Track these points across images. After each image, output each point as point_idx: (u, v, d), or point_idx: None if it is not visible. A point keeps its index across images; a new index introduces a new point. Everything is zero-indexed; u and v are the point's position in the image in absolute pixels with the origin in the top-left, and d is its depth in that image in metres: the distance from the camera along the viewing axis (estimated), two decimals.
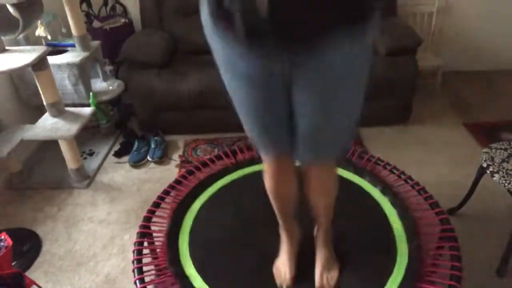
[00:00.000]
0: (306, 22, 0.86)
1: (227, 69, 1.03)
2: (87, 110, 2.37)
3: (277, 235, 1.46)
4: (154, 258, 1.61)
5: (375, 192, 1.79)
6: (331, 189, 1.29)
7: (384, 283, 1.40)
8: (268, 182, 1.28)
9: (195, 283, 1.44)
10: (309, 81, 0.97)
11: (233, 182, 1.87)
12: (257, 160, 1.84)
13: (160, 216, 1.72)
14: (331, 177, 1.27)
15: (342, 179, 1.83)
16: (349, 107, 1.06)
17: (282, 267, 1.38)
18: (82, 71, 2.49)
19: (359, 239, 1.61)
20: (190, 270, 1.48)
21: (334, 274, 1.37)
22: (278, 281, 1.38)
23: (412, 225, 1.60)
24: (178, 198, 1.78)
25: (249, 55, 0.94)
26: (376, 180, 1.83)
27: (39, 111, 2.43)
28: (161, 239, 1.68)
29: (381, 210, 1.71)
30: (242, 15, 0.86)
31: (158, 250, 1.65)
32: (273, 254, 1.49)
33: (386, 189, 1.77)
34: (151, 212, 1.70)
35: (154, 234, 1.66)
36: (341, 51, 0.91)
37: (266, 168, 1.26)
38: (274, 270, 1.41)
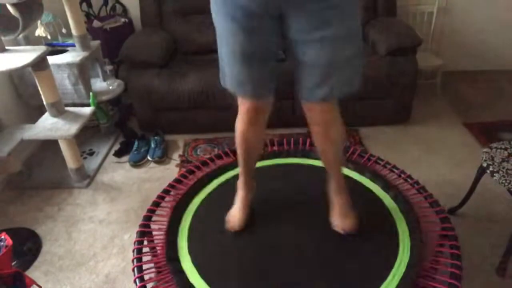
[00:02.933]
0: None
1: (223, 4, 1.06)
2: (87, 110, 2.37)
3: (277, 230, 1.53)
4: (154, 257, 1.61)
5: (376, 188, 1.79)
6: (338, 135, 1.27)
7: (385, 277, 1.40)
8: (240, 126, 1.31)
9: (192, 279, 1.44)
10: (306, 12, 0.99)
11: (232, 178, 1.85)
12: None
13: (160, 215, 1.72)
14: (336, 122, 1.24)
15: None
16: (350, 31, 1.06)
17: (236, 214, 1.48)
18: (82, 71, 2.49)
19: (360, 232, 1.60)
20: (188, 266, 1.49)
21: (351, 220, 1.39)
22: (229, 225, 1.48)
23: (415, 220, 1.60)
24: (177, 196, 1.79)
25: None
26: (376, 176, 1.83)
27: (39, 111, 2.43)
28: (161, 238, 1.68)
29: (383, 205, 1.69)
30: None
31: (158, 249, 1.65)
32: (272, 248, 1.52)
33: (387, 185, 1.76)
34: (151, 211, 1.70)
35: (154, 233, 1.66)
36: None
37: (241, 111, 1.29)
38: (228, 217, 1.50)
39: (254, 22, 1.06)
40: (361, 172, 1.86)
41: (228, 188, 1.79)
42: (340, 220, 1.40)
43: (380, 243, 1.53)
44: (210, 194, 1.80)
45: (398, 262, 1.46)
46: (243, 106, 1.28)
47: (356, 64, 1.13)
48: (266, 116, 1.31)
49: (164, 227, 1.68)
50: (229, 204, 1.70)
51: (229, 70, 1.21)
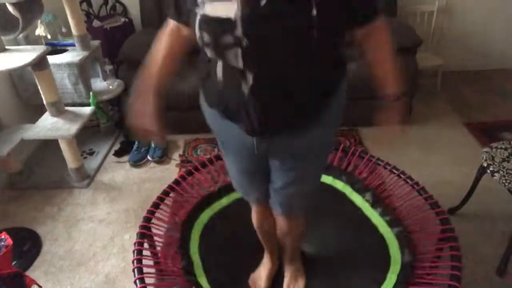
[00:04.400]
0: (283, 124, 1.08)
1: (221, 144, 1.29)
2: (87, 110, 2.37)
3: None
4: (154, 258, 1.61)
5: (364, 205, 1.86)
6: (296, 235, 1.49)
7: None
8: (254, 220, 1.50)
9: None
10: (282, 164, 1.20)
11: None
12: None
13: (159, 218, 1.72)
14: (295, 227, 1.44)
15: (330, 189, 1.94)
16: (309, 182, 1.28)
17: (258, 281, 1.61)
18: (82, 71, 2.48)
19: (351, 250, 1.70)
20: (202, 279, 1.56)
21: (300, 284, 1.58)
22: None
23: (404, 233, 1.64)
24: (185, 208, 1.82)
25: (237, 139, 1.15)
26: (365, 190, 1.89)
27: (39, 110, 2.42)
28: (161, 239, 1.68)
29: (369, 221, 1.79)
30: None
31: (158, 249, 1.66)
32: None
33: (376, 200, 1.84)
34: (151, 212, 1.70)
35: (154, 235, 1.66)
36: (308, 138, 1.12)
37: (252, 208, 1.48)
38: (250, 281, 1.62)
39: (246, 159, 1.25)
40: (351, 185, 1.93)
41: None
42: (290, 283, 1.59)
43: (371, 259, 1.63)
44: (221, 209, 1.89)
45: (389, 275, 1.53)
46: (252, 207, 1.48)
47: (312, 195, 1.34)
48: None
49: (164, 228, 1.69)
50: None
51: (235, 181, 1.38)
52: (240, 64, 0.95)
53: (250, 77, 0.97)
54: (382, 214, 1.77)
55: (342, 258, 1.68)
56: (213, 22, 0.93)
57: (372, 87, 1.14)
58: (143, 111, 1.20)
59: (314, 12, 0.88)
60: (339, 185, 1.94)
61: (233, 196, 1.92)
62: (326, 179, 1.97)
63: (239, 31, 0.90)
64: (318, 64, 1.01)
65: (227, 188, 1.92)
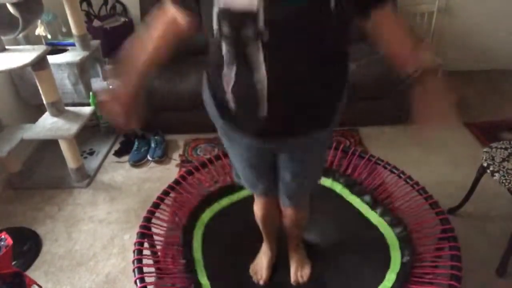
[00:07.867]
0: (293, 128, 1.11)
1: (225, 138, 1.28)
2: (87, 110, 2.37)
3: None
4: (154, 258, 1.61)
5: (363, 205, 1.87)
6: (302, 224, 1.57)
7: None
8: (256, 211, 1.53)
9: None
10: (290, 157, 1.25)
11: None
12: None
13: (160, 217, 1.73)
14: (302, 216, 1.52)
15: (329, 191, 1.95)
16: (315, 171, 1.38)
17: (259, 269, 1.64)
18: (82, 71, 2.48)
19: (351, 249, 1.71)
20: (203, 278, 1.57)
21: (306, 271, 1.63)
22: (254, 278, 1.63)
23: (404, 232, 1.64)
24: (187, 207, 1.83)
25: (244, 137, 1.18)
26: (365, 191, 1.89)
27: (39, 110, 2.42)
28: (161, 239, 1.68)
29: (369, 221, 1.79)
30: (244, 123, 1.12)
31: (158, 249, 1.66)
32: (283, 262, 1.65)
33: (375, 201, 1.85)
34: (151, 212, 1.70)
35: (154, 235, 1.66)
36: (312, 141, 1.19)
37: (256, 201, 1.51)
38: (251, 271, 1.65)
39: (253, 154, 1.27)
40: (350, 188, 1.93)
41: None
42: (297, 270, 1.63)
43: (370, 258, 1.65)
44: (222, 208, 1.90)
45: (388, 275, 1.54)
46: (256, 199, 1.49)
47: (315, 185, 1.43)
48: (276, 201, 1.46)
49: (164, 229, 1.69)
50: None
51: (240, 173, 1.38)
52: (260, 58, 0.93)
53: (266, 77, 0.96)
54: (382, 215, 1.77)
55: (342, 257, 1.68)
56: (233, 14, 0.90)
57: (399, 77, 1.06)
58: (121, 92, 1.16)
59: (333, 4, 0.88)
60: (338, 187, 1.95)
61: (233, 196, 1.92)
62: (325, 181, 1.97)
63: (261, 23, 0.88)
64: (332, 61, 1.04)
65: (228, 188, 1.93)
